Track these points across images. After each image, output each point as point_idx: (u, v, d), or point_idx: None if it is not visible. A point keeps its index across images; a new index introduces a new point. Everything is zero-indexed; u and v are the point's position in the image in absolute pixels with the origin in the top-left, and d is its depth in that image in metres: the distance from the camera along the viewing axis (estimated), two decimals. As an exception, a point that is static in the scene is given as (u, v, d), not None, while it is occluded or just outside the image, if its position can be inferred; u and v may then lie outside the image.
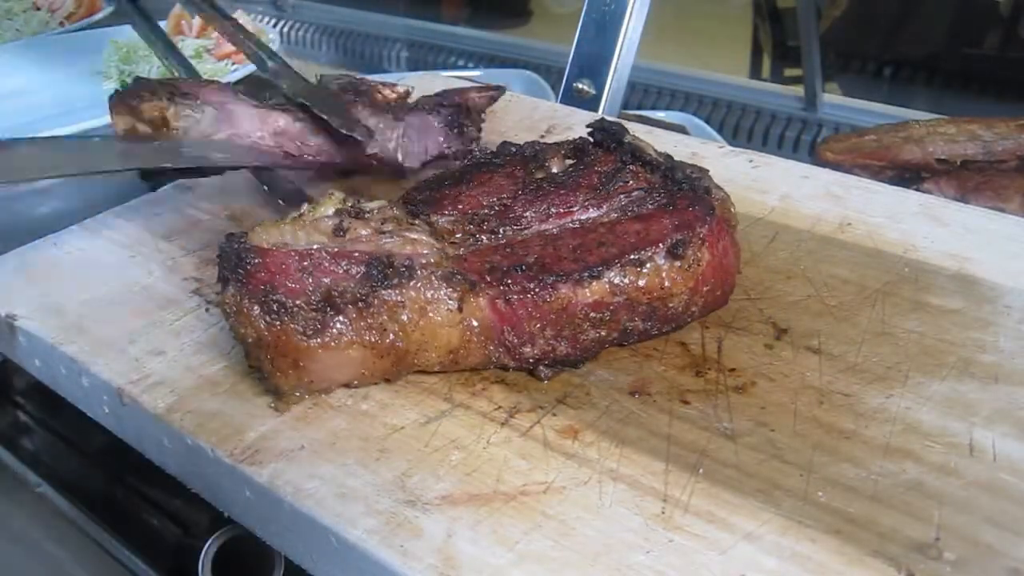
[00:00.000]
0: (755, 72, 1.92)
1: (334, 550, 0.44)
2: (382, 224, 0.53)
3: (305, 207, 0.53)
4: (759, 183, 0.73)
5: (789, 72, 1.78)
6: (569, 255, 0.52)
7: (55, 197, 0.97)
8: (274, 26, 1.84)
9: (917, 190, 0.79)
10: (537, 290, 0.50)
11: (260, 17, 1.83)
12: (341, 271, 0.49)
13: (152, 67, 1.16)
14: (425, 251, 0.51)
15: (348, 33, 1.78)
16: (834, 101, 1.27)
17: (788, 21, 1.79)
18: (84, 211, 0.73)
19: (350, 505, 0.44)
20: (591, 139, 0.61)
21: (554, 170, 0.60)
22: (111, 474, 0.72)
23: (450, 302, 0.50)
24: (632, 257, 0.51)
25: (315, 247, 0.50)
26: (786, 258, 0.64)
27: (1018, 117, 0.87)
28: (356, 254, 0.50)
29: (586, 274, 0.51)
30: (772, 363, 0.53)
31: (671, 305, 0.53)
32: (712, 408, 0.50)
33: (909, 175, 0.89)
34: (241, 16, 1.26)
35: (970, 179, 0.84)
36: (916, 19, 1.71)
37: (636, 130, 0.84)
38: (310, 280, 0.49)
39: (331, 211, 0.53)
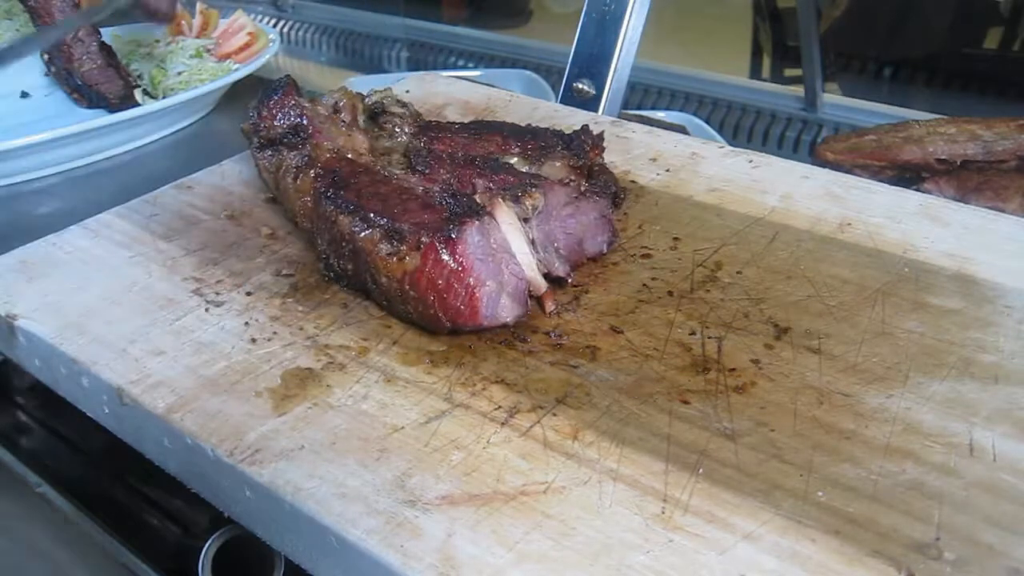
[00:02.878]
0: (755, 72, 1.92)
1: (334, 550, 0.44)
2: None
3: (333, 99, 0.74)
4: (759, 183, 0.73)
5: (789, 72, 1.78)
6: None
7: (55, 197, 0.97)
8: (274, 26, 1.84)
9: (917, 190, 0.79)
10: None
11: (260, 17, 1.83)
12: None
13: (153, 65, 1.16)
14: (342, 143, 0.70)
15: (348, 33, 1.78)
16: (834, 101, 1.27)
17: (788, 21, 1.79)
18: (84, 211, 0.73)
19: (350, 505, 0.44)
20: None
21: None
22: (111, 474, 0.72)
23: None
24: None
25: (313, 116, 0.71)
26: (786, 258, 0.64)
27: (1018, 117, 0.88)
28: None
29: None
30: (772, 363, 0.53)
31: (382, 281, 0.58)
32: (712, 408, 0.50)
33: (909, 175, 0.89)
34: (241, 16, 1.26)
35: (970, 179, 0.84)
36: (916, 19, 1.71)
37: (636, 130, 0.85)
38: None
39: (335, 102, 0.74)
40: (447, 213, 0.56)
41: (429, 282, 0.55)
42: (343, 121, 0.71)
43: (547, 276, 0.60)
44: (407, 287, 0.56)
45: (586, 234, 0.64)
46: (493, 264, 0.56)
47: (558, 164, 0.66)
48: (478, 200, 0.58)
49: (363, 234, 0.57)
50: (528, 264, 0.59)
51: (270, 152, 0.70)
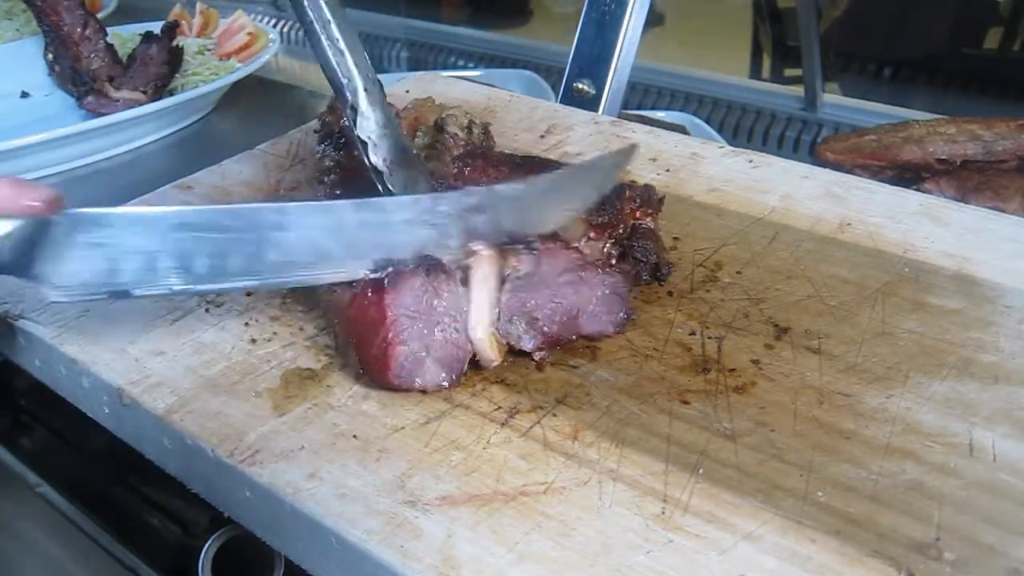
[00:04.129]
0: (755, 72, 1.92)
1: (334, 550, 0.44)
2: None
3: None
4: (759, 183, 0.73)
5: (789, 72, 1.78)
6: None
7: (55, 197, 0.97)
8: (274, 26, 1.84)
9: (917, 190, 0.79)
10: None
11: (260, 17, 1.82)
12: None
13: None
14: None
15: (348, 33, 1.77)
16: (834, 101, 1.27)
17: (788, 21, 1.79)
18: (84, 211, 0.73)
19: (350, 505, 0.44)
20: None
21: None
22: (111, 474, 0.72)
23: None
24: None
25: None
26: (786, 258, 0.64)
27: (1018, 117, 0.88)
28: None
29: None
30: (772, 363, 0.53)
31: None
32: (712, 408, 0.50)
33: (909, 175, 0.89)
34: (241, 16, 1.26)
35: (970, 179, 0.84)
36: (916, 19, 1.71)
37: (636, 130, 0.85)
38: None
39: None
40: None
41: (353, 325, 0.52)
42: None
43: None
44: (344, 326, 0.53)
45: (585, 309, 0.55)
46: (424, 324, 0.51)
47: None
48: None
49: None
50: (477, 329, 0.52)
51: (324, 145, 0.67)
